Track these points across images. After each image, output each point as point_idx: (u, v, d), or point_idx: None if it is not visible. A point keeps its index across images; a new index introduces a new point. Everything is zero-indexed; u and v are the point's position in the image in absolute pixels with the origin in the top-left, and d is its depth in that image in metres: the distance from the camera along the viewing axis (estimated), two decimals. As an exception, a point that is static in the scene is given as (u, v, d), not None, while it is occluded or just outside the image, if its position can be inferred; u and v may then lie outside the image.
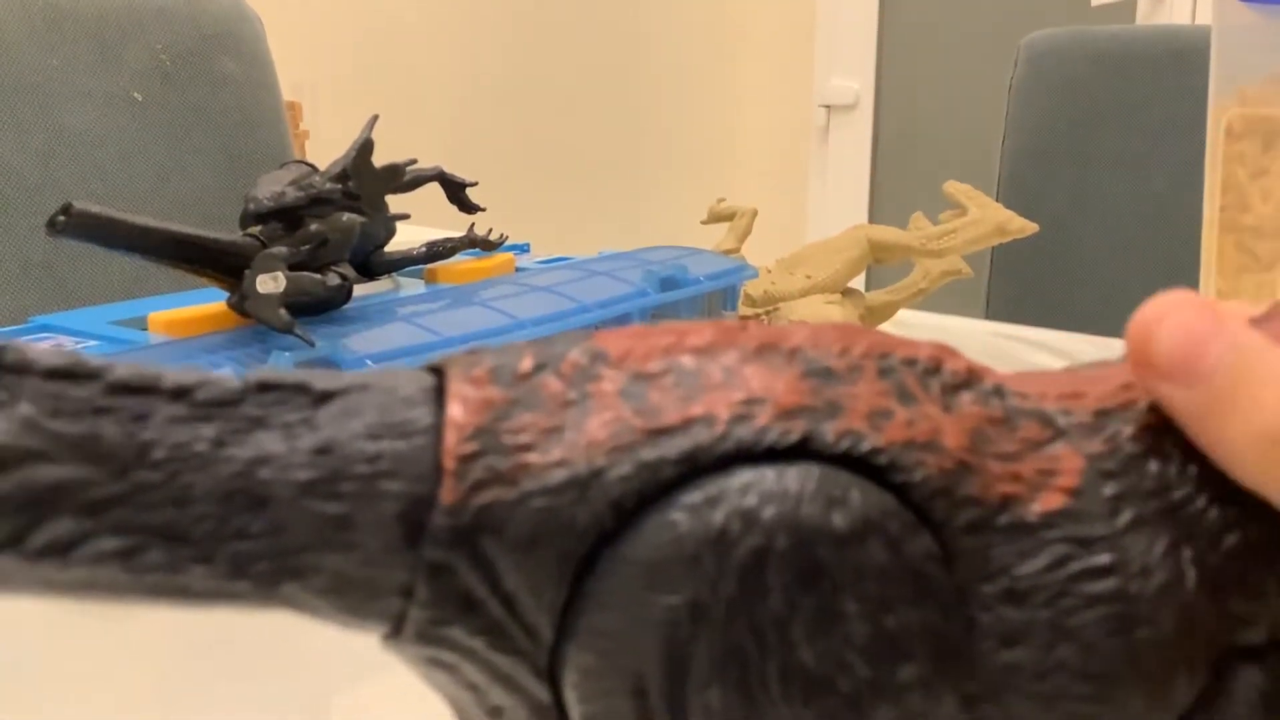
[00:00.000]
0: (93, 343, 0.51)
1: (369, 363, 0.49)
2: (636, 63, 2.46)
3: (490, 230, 0.68)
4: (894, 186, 2.51)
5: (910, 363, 0.21)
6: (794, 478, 0.19)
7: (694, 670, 0.19)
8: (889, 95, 2.50)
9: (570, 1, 2.34)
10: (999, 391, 0.21)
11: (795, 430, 0.19)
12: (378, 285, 0.62)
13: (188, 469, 0.18)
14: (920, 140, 2.46)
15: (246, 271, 0.50)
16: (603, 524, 0.19)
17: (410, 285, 0.64)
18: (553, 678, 0.20)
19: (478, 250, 0.68)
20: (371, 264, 0.61)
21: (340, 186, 0.54)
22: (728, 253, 0.79)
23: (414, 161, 0.61)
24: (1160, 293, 0.21)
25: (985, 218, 0.76)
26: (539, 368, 0.20)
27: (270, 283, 0.49)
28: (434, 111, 2.13)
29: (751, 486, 0.19)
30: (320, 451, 0.19)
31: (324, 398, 0.19)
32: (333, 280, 0.53)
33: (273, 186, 0.53)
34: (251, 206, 0.52)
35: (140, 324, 0.53)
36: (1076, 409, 0.22)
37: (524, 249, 0.74)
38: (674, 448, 0.19)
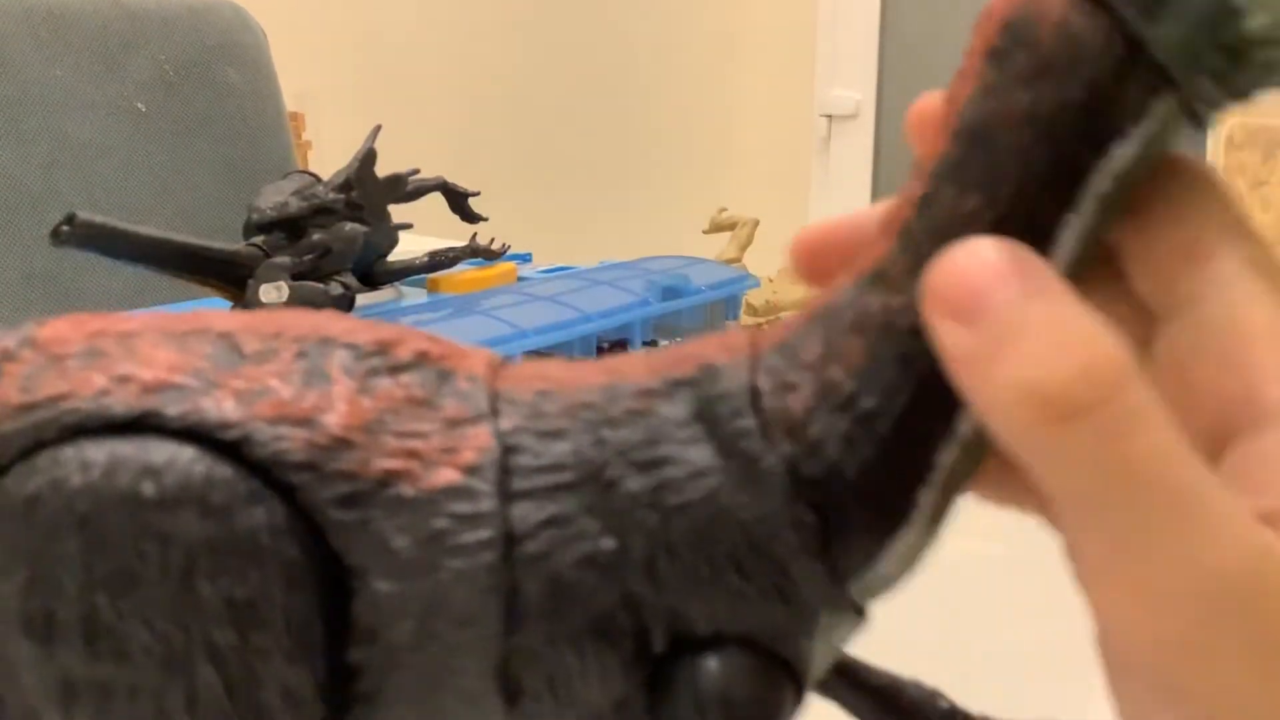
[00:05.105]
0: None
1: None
2: (638, 72, 2.47)
3: (492, 240, 0.68)
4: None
5: (350, 346, 0.21)
6: (111, 449, 0.20)
7: (5, 622, 0.20)
8: (890, 105, 2.50)
9: (571, 12, 2.34)
10: (445, 375, 0.21)
11: (139, 405, 0.20)
12: (380, 294, 0.62)
13: None
14: (921, 150, 2.47)
15: (250, 281, 0.50)
16: None
17: (413, 295, 0.64)
18: None
19: (480, 260, 0.68)
20: (374, 273, 0.61)
21: (343, 196, 0.54)
22: (729, 262, 0.79)
23: (416, 171, 0.62)
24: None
25: (986, 227, 0.76)
26: None
27: (273, 292, 0.49)
28: (437, 122, 2.13)
29: (71, 458, 0.20)
30: None
31: None
32: (335, 289, 0.53)
33: (276, 196, 0.53)
34: (255, 216, 0.52)
35: (144, 333, 0.53)
36: (536, 395, 0.21)
37: (526, 258, 0.75)
38: (27, 422, 0.20)
